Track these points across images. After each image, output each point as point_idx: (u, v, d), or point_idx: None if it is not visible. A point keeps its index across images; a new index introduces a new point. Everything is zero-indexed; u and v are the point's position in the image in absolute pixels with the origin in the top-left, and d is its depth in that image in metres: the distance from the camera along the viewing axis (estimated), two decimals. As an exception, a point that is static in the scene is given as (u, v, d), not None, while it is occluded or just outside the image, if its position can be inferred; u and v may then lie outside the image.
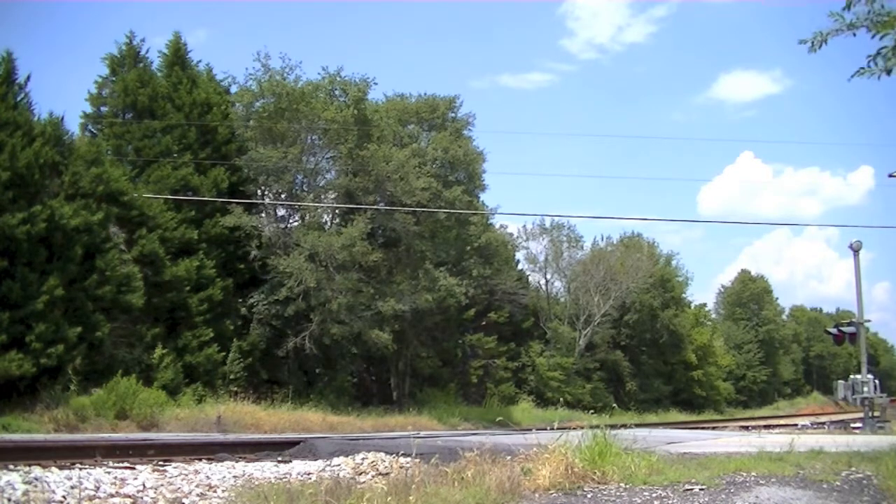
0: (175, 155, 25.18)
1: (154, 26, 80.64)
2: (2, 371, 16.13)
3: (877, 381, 23.05)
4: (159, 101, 25.75)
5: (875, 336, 74.65)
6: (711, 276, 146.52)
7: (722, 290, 71.31)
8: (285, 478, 7.77)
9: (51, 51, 80.00)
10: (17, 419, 15.16)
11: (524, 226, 47.04)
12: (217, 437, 14.03)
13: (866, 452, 8.45)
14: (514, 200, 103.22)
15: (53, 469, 7.61)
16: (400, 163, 28.11)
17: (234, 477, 7.87)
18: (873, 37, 5.78)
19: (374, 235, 28.72)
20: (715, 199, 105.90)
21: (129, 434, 14.30)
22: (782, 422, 34.45)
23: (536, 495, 6.08)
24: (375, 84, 29.86)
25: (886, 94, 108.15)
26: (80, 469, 7.81)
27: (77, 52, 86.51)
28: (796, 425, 27.70)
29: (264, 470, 8.53)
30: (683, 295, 53.58)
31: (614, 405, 39.52)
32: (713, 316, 66.10)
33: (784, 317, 73.87)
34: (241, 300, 26.34)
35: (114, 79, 26.86)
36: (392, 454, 8.91)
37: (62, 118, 20.47)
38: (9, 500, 5.86)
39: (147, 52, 27.61)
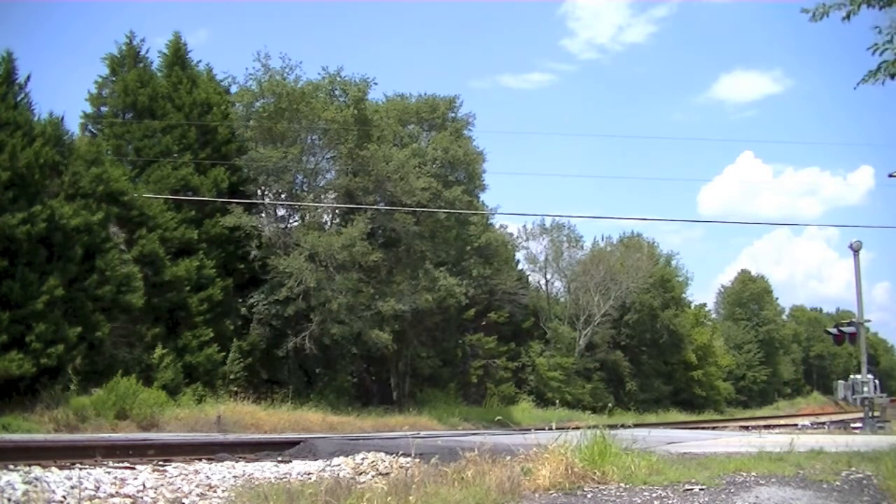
0: (175, 155, 25.19)
1: (154, 26, 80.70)
2: (2, 371, 16.13)
3: (877, 381, 23.05)
4: (159, 101, 25.75)
5: (875, 336, 74.69)
6: (711, 276, 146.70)
7: (722, 290, 71.41)
8: (285, 478, 7.77)
9: (51, 51, 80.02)
10: (17, 419, 15.16)
11: (524, 226, 47.07)
12: (217, 437, 14.02)
13: (866, 452, 8.45)
14: (514, 200, 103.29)
15: (53, 469, 7.61)
16: (400, 163, 28.12)
17: (234, 477, 7.87)
18: (873, 53, 5.80)
19: (374, 235, 28.72)
20: (715, 199, 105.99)
21: (129, 434, 14.30)
22: (782, 422, 34.43)
23: (536, 495, 6.08)
24: (375, 84, 29.92)
25: (887, 94, 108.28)
26: (80, 469, 7.81)
27: (77, 52, 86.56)
28: (796, 425, 27.70)
29: (264, 470, 8.53)
30: (683, 295, 53.61)
31: (614, 405, 39.70)
32: (713, 316, 66.11)
33: (784, 317, 73.88)
34: (241, 300, 26.34)
35: (114, 79, 26.87)
36: (392, 454, 8.91)
37: (62, 118, 20.50)
38: (9, 500, 5.86)
39: (147, 52, 27.69)
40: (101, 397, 17.03)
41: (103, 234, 19.79)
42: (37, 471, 7.30)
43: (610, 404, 37.39)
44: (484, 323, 37.74)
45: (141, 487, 6.90)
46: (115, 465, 8.45)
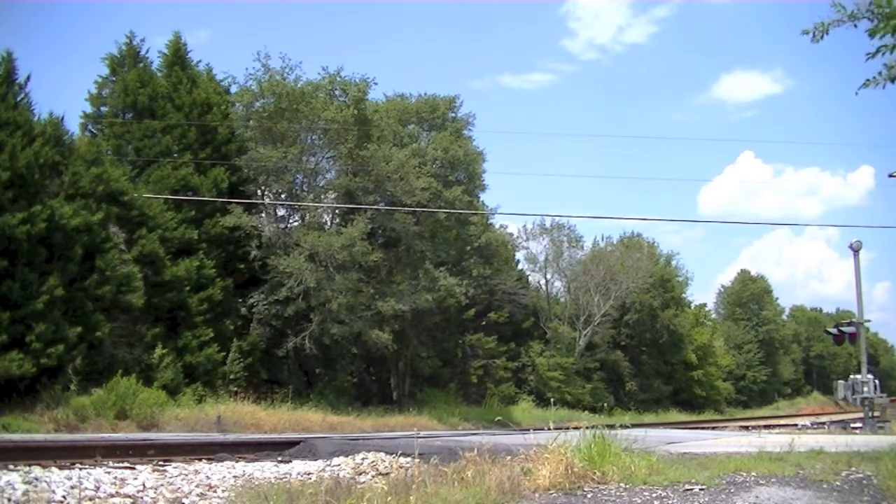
0: (175, 155, 25.19)
1: (154, 26, 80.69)
2: (2, 371, 16.13)
3: (877, 381, 23.07)
4: (159, 101, 25.75)
5: (875, 336, 74.71)
6: (711, 276, 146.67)
7: (722, 290, 71.38)
8: (285, 478, 7.77)
9: (51, 51, 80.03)
10: (17, 419, 15.15)
11: (524, 226, 47.14)
12: (217, 437, 14.02)
13: (866, 452, 8.45)
14: (514, 200, 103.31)
15: (53, 469, 7.61)
16: (400, 163, 28.11)
17: (234, 477, 7.87)
18: (872, 36, 5.78)
19: (374, 235, 28.72)
20: (715, 199, 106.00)
21: (129, 434, 14.30)
22: (782, 422, 34.45)
23: (536, 495, 6.08)
24: (375, 84, 29.91)
25: (887, 94, 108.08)
26: (80, 469, 7.81)
27: (77, 52, 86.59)
28: (796, 425, 27.69)
29: (264, 470, 8.53)
30: (683, 295, 53.59)
31: (614, 405, 39.69)
32: (713, 316, 66.09)
33: (784, 317, 73.85)
34: (241, 300, 26.34)
35: (114, 79, 26.87)
36: (392, 454, 8.91)
37: (62, 118, 20.48)
38: (9, 500, 5.86)
39: (147, 52, 27.68)
40: (101, 397, 17.03)
41: (103, 234, 19.78)
42: (37, 471, 7.30)
43: (609, 404, 37.40)
44: (484, 323, 37.75)
45: (141, 487, 6.90)
46: (115, 465, 8.45)
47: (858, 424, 23.27)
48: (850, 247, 24.10)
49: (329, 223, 29.23)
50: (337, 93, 28.80)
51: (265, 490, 6.01)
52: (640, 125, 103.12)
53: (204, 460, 9.34)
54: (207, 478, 7.72)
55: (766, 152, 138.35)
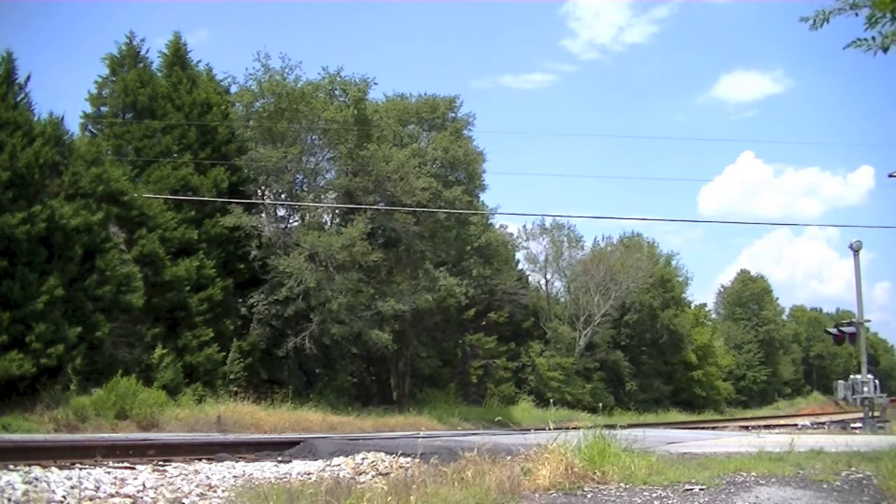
0: (175, 155, 25.19)
1: (154, 26, 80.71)
2: (2, 371, 16.12)
3: (877, 381, 23.07)
4: (159, 101, 25.75)
5: (875, 336, 74.71)
6: (711, 276, 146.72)
7: (722, 290, 71.39)
8: (285, 478, 7.77)
9: (51, 51, 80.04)
10: (17, 419, 15.15)
11: (524, 226, 47.14)
12: (217, 437, 14.02)
13: (866, 452, 8.45)
14: (514, 200, 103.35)
15: (53, 469, 7.61)
16: (400, 163, 28.11)
17: (234, 477, 7.87)
18: (867, 26, 5.75)
19: (374, 235, 28.72)
20: (715, 199, 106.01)
21: (129, 434, 14.30)
22: (782, 422, 34.45)
23: (536, 495, 6.08)
24: (375, 84, 29.90)
25: (886, 94, 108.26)
26: (80, 469, 7.81)
27: (77, 52, 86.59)
28: (796, 425, 27.70)
29: (264, 470, 8.53)
30: (683, 295, 53.60)
31: (614, 405, 39.69)
32: (713, 316, 66.12)
33: (784, 317, 73.87)
34: (241, 300, 26.34)
35: (114, 79, 26.86)
36: (392, 454, 8.90)
37: (62, 118, 20.48)
38: (9, 500, 5.86)
39: (147, 52, 27.66)
40: (101, 397, 17.03)
41: (103, 234, 19.78)
42: (37, 471, 7.30)
43: (609, 404, 37.40)
44: (484, 323, 37.73)
45: (141, 487, 6.90)
46: (115, 465, 8.45)
47: (858, 424, 23.27)
48: (850, 247, 24.11)
49: (329, 223, 29.23)
50: (337, 93, 28.80)
51: (265, 490, 6.00)
52: (641, 125, 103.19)
53: (204, 460, 9.33)
54: (207, 478, 7.72)
55: (766, 152, 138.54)
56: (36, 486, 6.41)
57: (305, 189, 29.20)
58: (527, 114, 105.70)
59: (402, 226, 28.49)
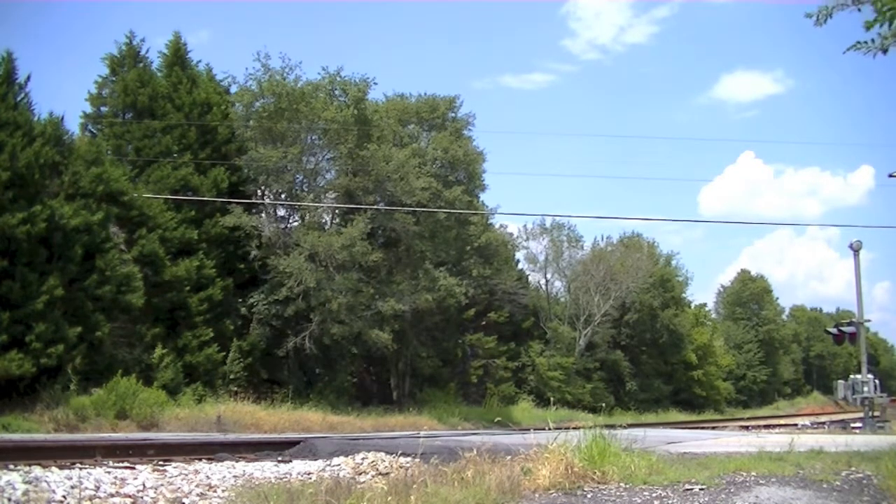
0: (175, 155, 25.19)
1: (154, 26, 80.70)
2: (2, 371, 16.12)
3: (877, 381, 23.10)
4: (159, 101, 25.75)
5: (875, 336, 74.69)
6: (711, 276, 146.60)
7: (722, 290, 71.37)
8: (285, 478, 7.77)
9: (51, 51, 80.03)
10: (17, 419, 15.15)
11: (524, 226, 47.17)
12: (217, 436, 14.02)
13: (866, 452, 8.45)
14: (514, 200, 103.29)
15: (53, 469, 7.61)
16: (400, 163, 28.11)
17: (234, 477, 7.87)
18: (870, 27, 5.74)
19: (374, 235, 28.72)
20: (716, 199, 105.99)
21: (129, 434, 14.30)
22: (782, 422, 34.45)
23: (536, 495, 6.07)
24: (375, 84, 29.90)
25: (886, 94, 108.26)
26: (80, 469, 7.80)
27: (77, 52, 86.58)
28: (796, 425, 27.70)
29: (264, 470, 8.53)
30: (683, 295, 53.59)
31: (614, 405, 39.68)
32: (713, 316, 66.09)
33: (784, 316, 73.86)
34: (241, 300, 26.34)
35: (114, 79, 26.86)
36: (392, 454, 8.90)
37: (62, 118, 20.46)
38: (9, 500, 5.86)
39: (147, 52, 27.67)
40: (101, 397, 17.02)
41: (103, 234, 19.77)
42: (37, 471, 7.30)
43: (609, 404, 37.37)
44: (484, 323, 37.74)
45: (141, 487, 6.90)
46: (115, 464, 8.45)
47: (858, 424, 23.28)
48: (851, 247, 24.13)
49: (329, 223, 29.23)
50: (337, 93, 28.80)
51: (265, 490, 6.00)
52: (641, 125, 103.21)
53: (204, 460, 9.33)
54: (207, 478, 7.72)
55: (766, 152, 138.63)
56: (36, 486, 6.41)
57: (305, 189, 29.20)
58: (527, 114, 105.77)
59: (402, 226, 28.49)
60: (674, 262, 53.73)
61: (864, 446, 9.17)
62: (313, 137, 28.46)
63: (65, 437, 12.97)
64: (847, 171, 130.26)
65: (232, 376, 23.69)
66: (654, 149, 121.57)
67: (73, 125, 33.84)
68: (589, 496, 6.03)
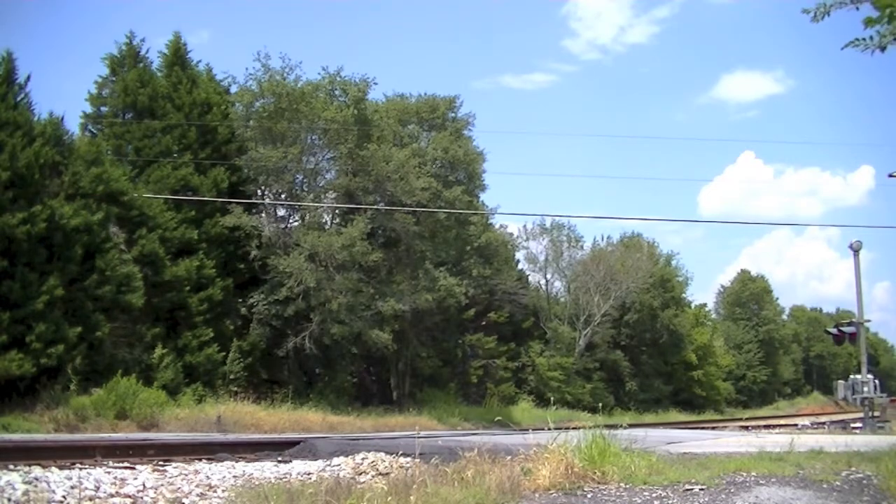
0: (175, 155, 25.18)
1: (154, 26, 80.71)
2: (2, 371, 16.12)
3: (877, 381, 23.10)
4: (159, 101, 25.74)
5: (875, 336, 74.70)
6: (711, 276, 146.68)
7: (722, 290, 71.39)
8: (285, 478, 7.77)
9: (51, 51, 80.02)
10: (17, 419, 15.15)
11: (524, 226, 47.11)
12: (217, 437, 14.02)
13: (866, 452, 8.44)
14: (514, 200, 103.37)
15: (53, 469, 7.61)
16: (400, 163, 28.11)
17: (234, 477, 7.86)
18: (871, 24, 5.73)
19: (374, 235, 28.72)
20: (715, 199, 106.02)
21: (129, 434, 14.29)
22: (782, 422, 34.44)
23: (536, 495, 6.07)
24: (375, 84, 29.88)
25: (886, 94, 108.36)
26: (80, 469, 7.80)
27: (77, 52, 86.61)
28: (796, 425, 27.69)
29: (264, 470, 8.53)
30: (683, 295, 53.61)
31: (614, 405, 39.68)
32: (713, 316, 66.11)
33: (784, 317, 73.88)
34: (241, 300, 26.33)
35: (114, 79, 26.86)
36: (392, 454, 8.90)
37: (62, 118, 20.47)
38: (9, 500, 5.86)
39: (147, 52, 27.63)
40: (101, 397, 17.02)
41: (103, 234, 19.77)
42: (37, 471, 7.30)
43: (609, 404, 37.37)
44: (484, 323, 37.74)
45: (141, 487, 6.90)
46: (115, 465, 8.45)
47: (858, 424, 23.28)
48: (850, 247, 24.13)
49: (329, 223, 29.23)
50: (337, 93, 28.80)
51: (265, 490, 6.00)
52: (641, 125, 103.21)
53: (204, 460, 9.33)
54: (207, 478, 7.71)
55: (766, 152, 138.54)
56: (36, 486, 6.41)
57: (305, 189, 29.20)
58: (527, 114, 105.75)
59: (402, 226, 28.49)
60: (674, 262, 53.80)
61: (864, 446, 9.17)
62: (313, 137, 28.46)
63: (65, 437, 12.96)
64: (847, 171, 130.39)
65: (232, 376, 23.68)
66: (654, 149, 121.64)
67: (73, 125, 33.84)
68: (589, 496, 6.03)
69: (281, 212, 29.18)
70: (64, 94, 75.49)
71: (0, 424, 14.34)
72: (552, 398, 33.71)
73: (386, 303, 27.02)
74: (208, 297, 23.74)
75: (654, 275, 46.80)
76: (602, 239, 49.84)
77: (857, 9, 5.83)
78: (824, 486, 6.61)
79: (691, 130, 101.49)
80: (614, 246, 48.60)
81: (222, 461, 9.31)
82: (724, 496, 6.02)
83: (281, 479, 7.64)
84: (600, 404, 32.09)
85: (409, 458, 8.33)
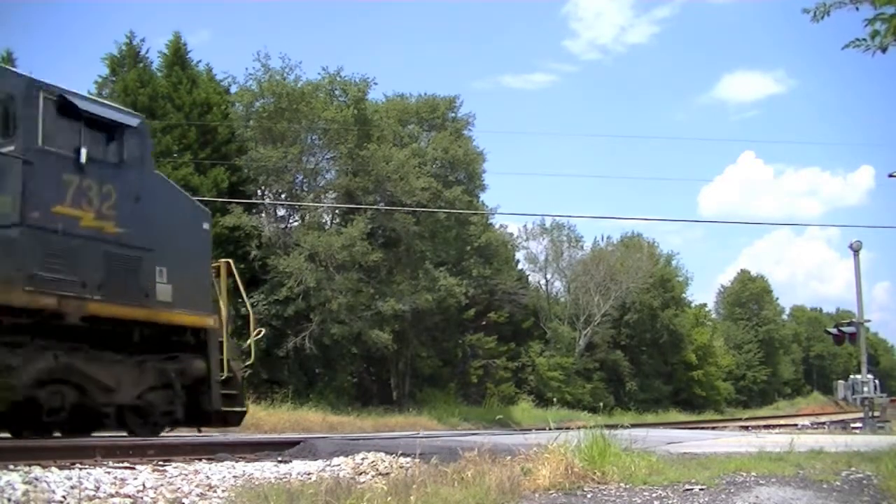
0: (175, 155, 25.20)
1: (154, 26, 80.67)
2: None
3: (877, 381, 23.10)
4: (159, 101, 25.77)
5: (875, 336, 74.81)
6: (711, 276, 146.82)
7: (722, 290, 71.49)
8: (285, 478, 7.76)
9: (51, 51, 79.94)
10: (17, 419, 15.13)
11: (524, 226, 47.18)
12: (217, 436, 14.01)
13: (866, 452, 8.44)
14: (514, 200, 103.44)
15: (53, 469, 7.59)
16: (400, 163, 28.14)
17: (234, 477, 7.85)
18: (866, 25, 5.74)
19: (374, 235, 28.74)
20: (715, 199, 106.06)
21: (129, 434, 14.28)
22: (782, 422, 34.38)
23: (536, 495, 6.07)
24: (375, 84, 29.98)
25: (886, 94, 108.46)
26: (80, 469, 7.79)
27: (77, 52, 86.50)
28: (796, 425, 27.66)
29: (264, 470, 8.51)
30: (683, 295, 53.72)
31: (614, 405, 39.72)
32: (713, 316, 66.19)
33: (784, 317, 73.98)
34: (240, 300, 26.30)
35: (114, 79, 26.90)
36: (392, 454, 8.89)
37: (62, 118, 20.42)
38: (9, 500, 5.86)
39: (147, 52, 27.74)
40: (101, 397, 16.99)
41: (103, 234, 19.76)
42: (37, 471, 7.28)
43: (609, 404, 37.42)
44: (484, 323, 37.76)
45: (141, 487, 6.89)
46: (115, 465, 8.44)
47: (858, 424, 23.27)
48: (850, 247, 24.12)
49: (329, 223, 29.26)
50: (337, 93, 28.85)
51: (265, 490, 6.00)
52: (642, 125, 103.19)
53: (204, 460, 9.31)
54: (207, 478, 7.70)
55: (766, 153, 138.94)
56: (36, 486, 6.40)
57: (305, 189, 29.23)
58: (527, 114, 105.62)
59: (402, 226, 28.51)
60: (674, 263, 53.92)
61: (864, 446, 9.16)
62: (313, 137, 28.50)
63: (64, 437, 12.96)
64: (847, 171, 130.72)
65: (232, 376, 23.66)
66: (654, 149, 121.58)
67: (73, 125, 33.81)
68: (589, 496, 6.03)
69: (281, 212, 29.23)
70: (64, 94, 75.28)
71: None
72: (552, 398, 33.75)
73: (386, 303, 27.04)
74: (208, 297, 23.72)
75: (654, 275, 46.86)
76: (602, 239, 50.01)
77: (857, 9, 5.84)
78: (824, 486, 6.61)
79: (691, 130, 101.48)
80: (614, 246, 48.68)
81: (222, 461, 9.29)
82: (724, 496, 6.02)
83: (281, 479, 7.63)
84: (600, 404, 32.23)
85: (409, 458, 8.33)
